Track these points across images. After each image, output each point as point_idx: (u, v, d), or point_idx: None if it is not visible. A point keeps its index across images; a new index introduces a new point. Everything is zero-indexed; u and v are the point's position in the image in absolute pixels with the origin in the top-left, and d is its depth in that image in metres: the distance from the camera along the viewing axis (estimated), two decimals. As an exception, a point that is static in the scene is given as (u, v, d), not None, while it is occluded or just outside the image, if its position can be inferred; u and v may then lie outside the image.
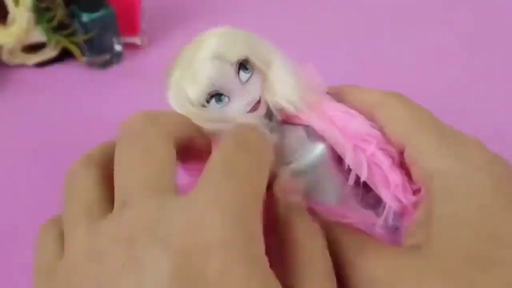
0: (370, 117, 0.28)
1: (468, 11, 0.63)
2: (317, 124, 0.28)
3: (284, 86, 0.29)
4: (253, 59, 0.28)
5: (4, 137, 0.45)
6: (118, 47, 0.53)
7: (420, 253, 0.23)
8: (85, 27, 0.50)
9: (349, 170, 0.28)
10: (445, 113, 0.48)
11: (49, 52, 0.52)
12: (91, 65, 0.53)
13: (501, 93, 0.51)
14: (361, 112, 0.28)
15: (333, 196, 0.29)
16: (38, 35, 0.51)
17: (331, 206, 0.28)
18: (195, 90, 0.27)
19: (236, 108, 0.28)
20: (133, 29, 0.54)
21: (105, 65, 0.53)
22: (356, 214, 0.28)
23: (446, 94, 0.51)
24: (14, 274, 0.35)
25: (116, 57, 0.53)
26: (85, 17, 0.49)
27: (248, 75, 0.28)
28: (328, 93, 0.31)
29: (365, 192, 0.29)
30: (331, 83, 0.55)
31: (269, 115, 0.29)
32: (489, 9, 0.63)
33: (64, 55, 0.53)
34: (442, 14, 0.63)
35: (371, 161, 0.28)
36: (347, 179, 0.28)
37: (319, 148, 0.28)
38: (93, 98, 0.49)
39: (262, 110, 0.28)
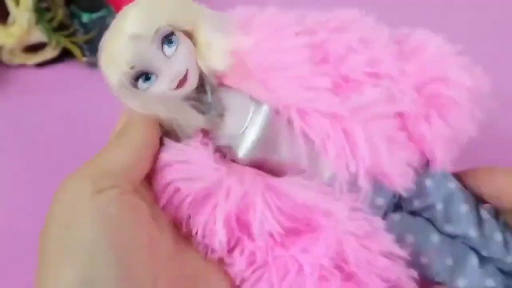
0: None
1: (471, 11, 0.63)
2: (255, 90, 0.28)
3: (213, 49, 0.27)
4: (175, 26, 0.27)
5: (4, 137, 0.46)
6: (118, 47, 0.53)
7: None
8: (85, 27, 0.50)
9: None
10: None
11: (50, 52, 0.52)
12: (91, 65, 0.53)
13: (501, 94, 0.51)
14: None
15: (287, 153, 0.28)
16: (38, 35, 0.51)
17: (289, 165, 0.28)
18: (117, 74, 0.26)
19: (162, 87, 0.27)
20: (133, 29, 0.54)
21: (105, 65, 0.53)
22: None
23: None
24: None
25: (116, 57, 0.53)
26: (85, 17, 0.49)
27: (173, 48, 0.26)
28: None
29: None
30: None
31: (204, 83, 0.28)
32: (489, 9, 0.63)
33: (65, 55, 0.53)
34: (443, 15, 0.63)
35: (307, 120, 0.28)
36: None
37: (265, 110, 0.28)
38: (93, 98, 0.49)
39: (190, 84, 0.27)
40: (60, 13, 0.50)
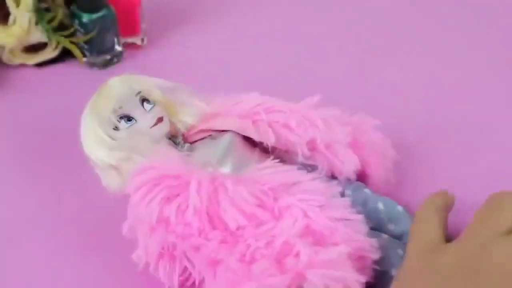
0: None
1: (470, 11, 0.63)
2: (218, 124, 0.36)
3: (183, 109, 0.38)
4: (147, 94, 0.37)
5: (4, 136, 0.46)
6: (118, 47, 0.53)
7: None
8: (86, 27, 0.50)
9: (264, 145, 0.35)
10: (446, 113, 0.49)
11: (50, 53, 0.52)
12: (91, 65, 0.53)
13: (501, 94, 0.51)
14: None
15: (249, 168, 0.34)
16: (38, 36, 0.51)
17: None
18: (107, 111, 0.35)
19: (143, 124, 0.36)
20: (133, 29, 0.54)
21: (105, 65, 0.53)
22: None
23: (447, 94, 0.51)
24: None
25: (117, 57, 0.53)
26: (86, 18, 0.49)
27: (151, 105, 0.37)
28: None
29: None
30: (331, 82, 0.55)
31: (175, 136, 0.37)
32: (489, 10, 0.63)
33: (65, 55, 0.53)
34: (443, 15, 0.63)
35: (272, 124, 0.35)
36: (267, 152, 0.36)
37: (227, 137, 0.36)
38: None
39: (166, 124, 0.37)
40: (60, 14, 0.50)
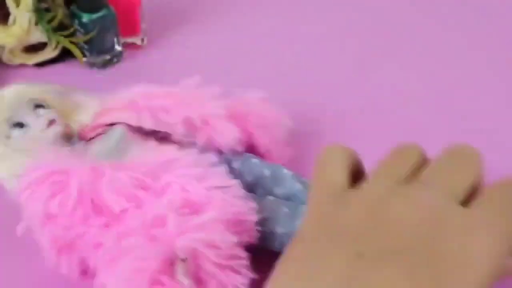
0: None
1: (470, 11, 0.63)
2: (107, 118, 0.38)
3: (78, 109, 0.40)
4: (40, 100, 0.39)
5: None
6: (118, 47, 0.53)
7: None
8: (85, 27, 0.50)
9: (152, 131, 0.37)
10: (446, 113, 0.49)
11: (50, 52, 0.52)
12: (91, 65, 0.53)
13: (501, 94, 0.51)
14: None
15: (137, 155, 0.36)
16: (38, 36, 0.51)
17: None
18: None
19: (36, 129, 0.38)
20: (133, 29, 0.54)
21: (105, 65, 0.53)
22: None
23: (447, 94, 0.51)
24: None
25: (116, 57, 0.53)
26: (85, 18, 0.49)
27: (46, 110, 0.38)
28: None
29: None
30: (331, 82, 0.55)
31: (71, 136, 0.39)
32: (489, 10, 0.63)
33: (65, 55, 0.53)
34: (443, 15, 0.63)
35: (152, 109, 0.37)
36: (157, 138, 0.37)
37: (117, 130, 0.37)
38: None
39: (60, 125, 0.38)
40: (60, 14, 0.50)
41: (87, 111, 0.40)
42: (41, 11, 0.50)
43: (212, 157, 0.35)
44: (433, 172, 0.25)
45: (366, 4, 0.64)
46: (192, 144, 0.37)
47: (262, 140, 0.39)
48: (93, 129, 0.38)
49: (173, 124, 0.37)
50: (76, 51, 0.52)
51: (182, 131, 0.37)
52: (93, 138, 0.38)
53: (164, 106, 0.37)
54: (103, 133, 0.38)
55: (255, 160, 0.38)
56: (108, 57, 0.53)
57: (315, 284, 0.21)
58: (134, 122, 0.37)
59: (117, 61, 0.53)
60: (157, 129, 0.37)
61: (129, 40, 0.55)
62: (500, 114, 0.48)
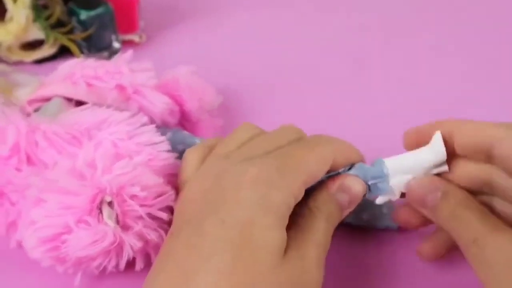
0: (488, 153, 0.27)
1: (467, 13, 0.63)
2: (44, 92, 0.38)
3: (19, 87, 0.40)
4: None
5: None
6: (116, 44, 0.53)
7: None
8: (83, 24, 0.50)
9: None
10: (446, 113, 0.48)
11: (47, 50, 0.52)
12: (89, 62, 0.52)
13: (501, 94, 0.51)
14: (477, 147, 0.28)
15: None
16: (36, 33, 0.51)
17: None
18: None
19: None
20: (131, 26, 0.54)
21: (103, 62, 0.53)
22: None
23: (446, 94, 0.50)
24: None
25: (114, 54, 0.53)
26: (83, 15, 0.49)
27: None
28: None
29: None
30: (331, 82, 0.55)
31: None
32: (490, 10, 0.63)
33: (63, 52, 0.52)
34: (443, 15, 0.63)
35: (86, 79, 0.38)
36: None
37: (53, 102, 0.38)
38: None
39: None
40: (58, 11, 0.50)
41: (28, 89, 0.40)
42: (38, 8, 0.50)
43: (144, 118, 0.36)
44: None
45: (366, 4, 0.64)
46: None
47: (192, 105, 0.41)
48: (31, 103, 0.39)
49: (107, 90, 0.38)
50: (74, 48, 0.51)
51: (115, 96, 0.38)
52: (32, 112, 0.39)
53: (97, 74, 0.39)
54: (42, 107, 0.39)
55: (185, 132, 0.39)
56: (106, 54, 0.52)
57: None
58: (70, 94, 0.38)
59: (115, 59, 0.53)
60: (90, 100, 0.38)
61: (127, 37, 0.55)
62: (500, 114, 0.48)
